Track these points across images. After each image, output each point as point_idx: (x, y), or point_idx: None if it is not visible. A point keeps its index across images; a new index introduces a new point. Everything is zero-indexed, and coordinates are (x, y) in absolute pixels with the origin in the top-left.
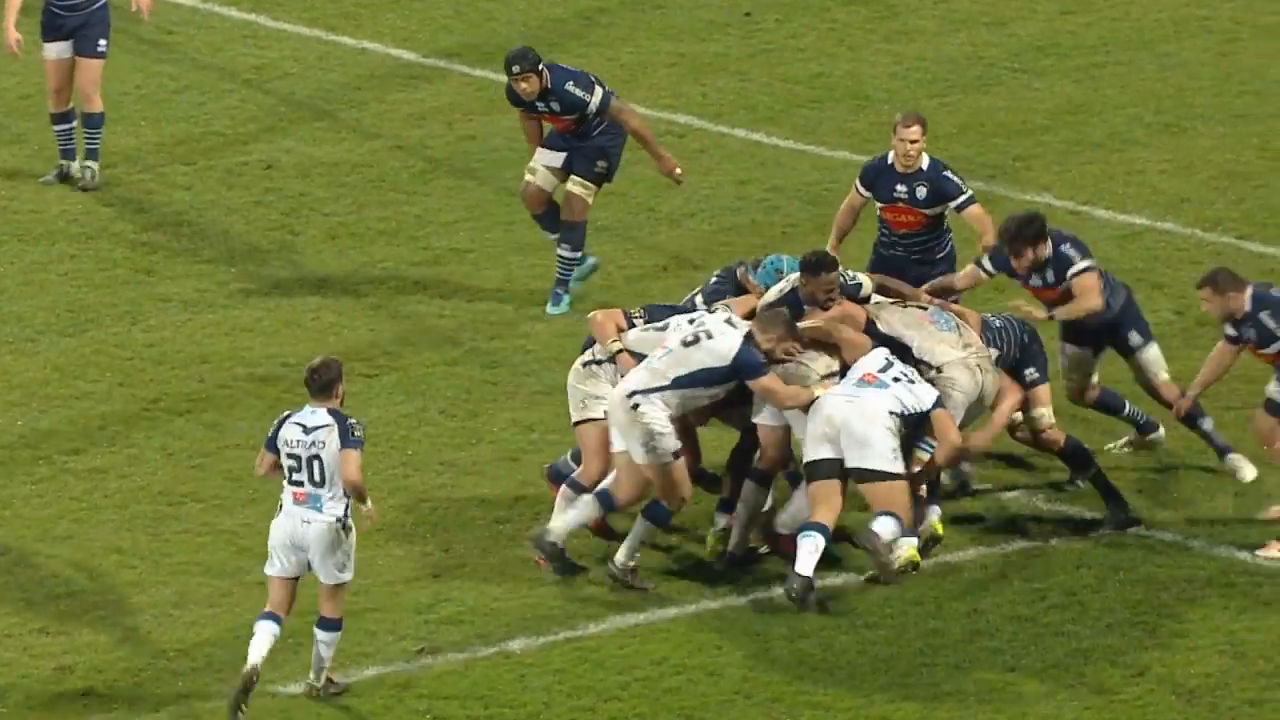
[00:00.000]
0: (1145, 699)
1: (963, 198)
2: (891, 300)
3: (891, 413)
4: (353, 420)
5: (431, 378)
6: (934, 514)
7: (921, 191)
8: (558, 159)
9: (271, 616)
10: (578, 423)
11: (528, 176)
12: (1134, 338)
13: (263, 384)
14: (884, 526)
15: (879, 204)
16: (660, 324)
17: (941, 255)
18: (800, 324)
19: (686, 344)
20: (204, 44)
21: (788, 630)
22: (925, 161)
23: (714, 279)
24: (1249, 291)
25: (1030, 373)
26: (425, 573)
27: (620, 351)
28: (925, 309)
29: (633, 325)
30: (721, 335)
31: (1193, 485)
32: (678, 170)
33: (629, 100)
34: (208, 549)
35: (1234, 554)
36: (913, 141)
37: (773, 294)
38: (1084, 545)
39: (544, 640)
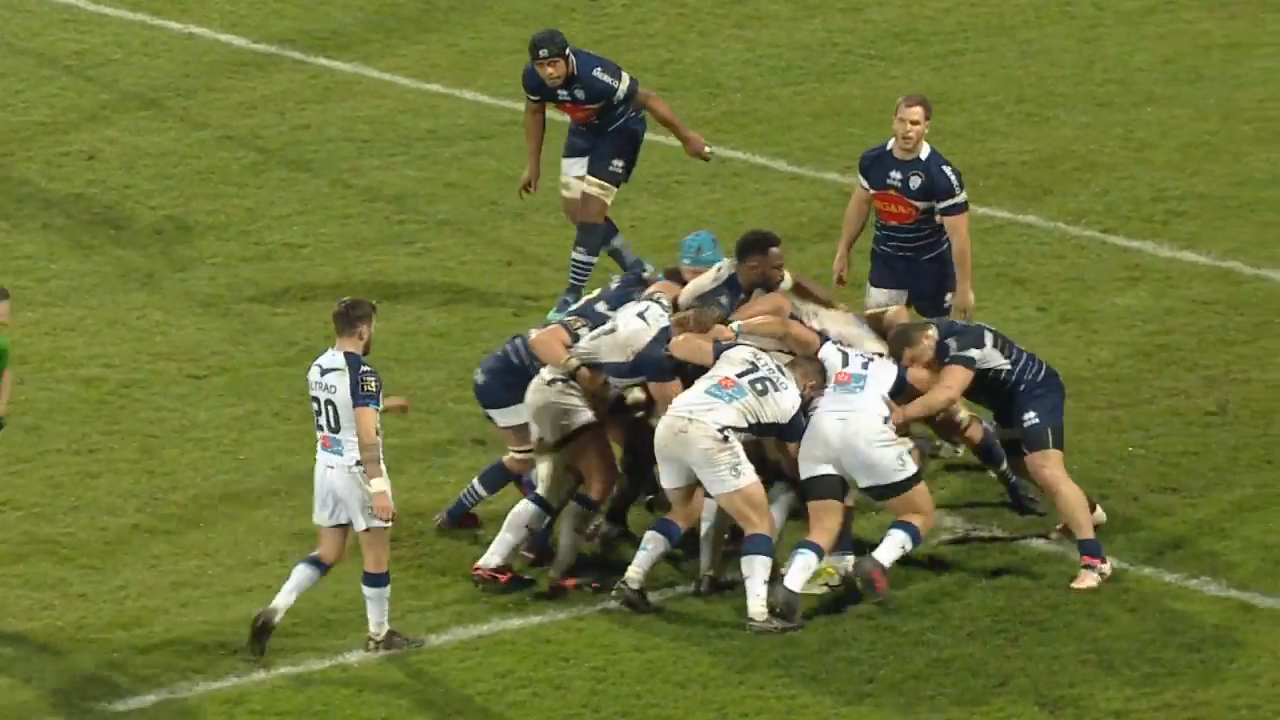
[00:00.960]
0: (1008, 710)
1: (951, 200)
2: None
3: (883, 417)
4: (366, 369)
5: (264, 378)
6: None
7: (915, 181)
8: (581, 165)
9: (313, 561)
10: (561, 442)
11: (564, 192)
12: None
13: (85, 386)
14: (890, 550)
15: (872, 190)
16: (606, 327)
17: (931, 256)
18: (752, 321)
19: (759, 393)
20: (21, 28)
21: (637, 641)
22: (925, 151)
23: (616, 283)
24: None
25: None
26: (258, 583)
27: (579, 368)
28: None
29: (576, 337)
30: (785, 389)
31: None
32: (707, 149)
33: (467, 90)
34: (28, 560)
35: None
36: (913, 123)
37: (707, 280)
38: (945, 551)
39: (383, 653)
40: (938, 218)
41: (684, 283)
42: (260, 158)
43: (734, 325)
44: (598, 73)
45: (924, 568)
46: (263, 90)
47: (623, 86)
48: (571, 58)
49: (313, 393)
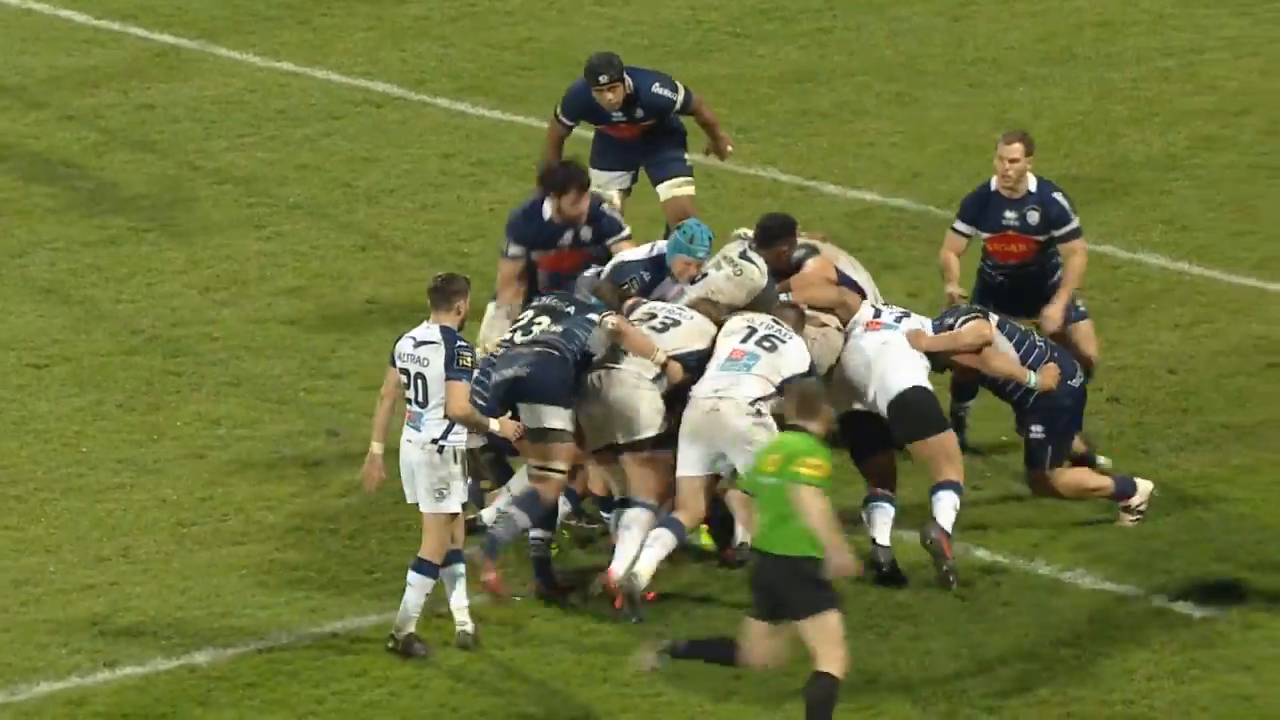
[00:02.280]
0: (878, 706)
1: (1069, 227)
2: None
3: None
4: (462, 343)
5: (109, 368)
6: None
7: (1033, 216)
8: (626, 178)
9: (416, 564)
10: (624, 447)
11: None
12: None
13: None
14: (947, 511)
15: (985, 235)
16: (668, 318)
17: (1051, 282)
18: (808, 292)
19: (769, 349)
20: None
21: (497, 640)
22: (1033, 183)
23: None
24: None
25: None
26: (103, 579)
27: (669, 361)
28: None
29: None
30: (790, 339)
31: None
32: (729, 147)
33: (319, 69)
34: None
35: (972, 552)
36: (1012, 160)
37: (640, 253)
38: None
39: (233, 652)
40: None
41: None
42: (103, 138)
43: (784, 296)
44: (657, 88)
45: None
46: (105, 67)
47: (680, 97)
48: (628, 78)
49: (402, 364)
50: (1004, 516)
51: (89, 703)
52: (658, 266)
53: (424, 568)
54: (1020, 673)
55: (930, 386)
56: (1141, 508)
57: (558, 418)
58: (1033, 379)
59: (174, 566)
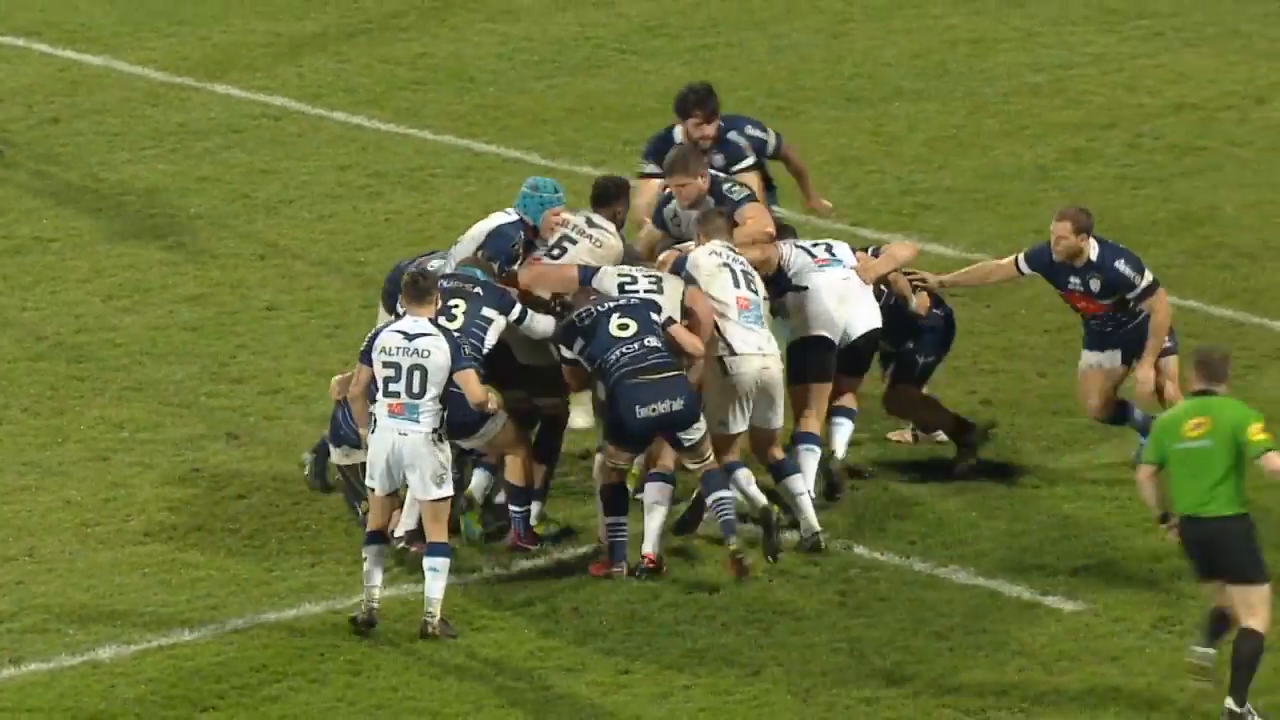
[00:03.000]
0: (761, 699)
1: (1138, 289)
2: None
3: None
4: (458, 334)
5: (14, 373)
6: None
7: (1095, 284)
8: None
9: (376, 537)
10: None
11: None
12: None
13: None
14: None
15: (1059, 290)
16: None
17: (1137, 323)
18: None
19: (755, 291)
20: None
21: (393, 635)
22: (1094, 252)
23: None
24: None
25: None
26: (8, 578)
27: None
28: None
29: None
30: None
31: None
32: (827, 203)
33: (219, 84)
34: None
35: (852, 549)
36: (1060, 238)
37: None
38: (699, 543)
39: (135, 648)
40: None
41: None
42: (8, 151)
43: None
44: (751, 130)
45: (681, 559)
46: (9, 83)
47: (772, 138)
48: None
49: (391, 359)
50: (882, 515)
51: None
52: (528, 229)
53: (440, 550)
54: (897, 664)
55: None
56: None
57: None
58: (913, 302)
59: (78, 565)
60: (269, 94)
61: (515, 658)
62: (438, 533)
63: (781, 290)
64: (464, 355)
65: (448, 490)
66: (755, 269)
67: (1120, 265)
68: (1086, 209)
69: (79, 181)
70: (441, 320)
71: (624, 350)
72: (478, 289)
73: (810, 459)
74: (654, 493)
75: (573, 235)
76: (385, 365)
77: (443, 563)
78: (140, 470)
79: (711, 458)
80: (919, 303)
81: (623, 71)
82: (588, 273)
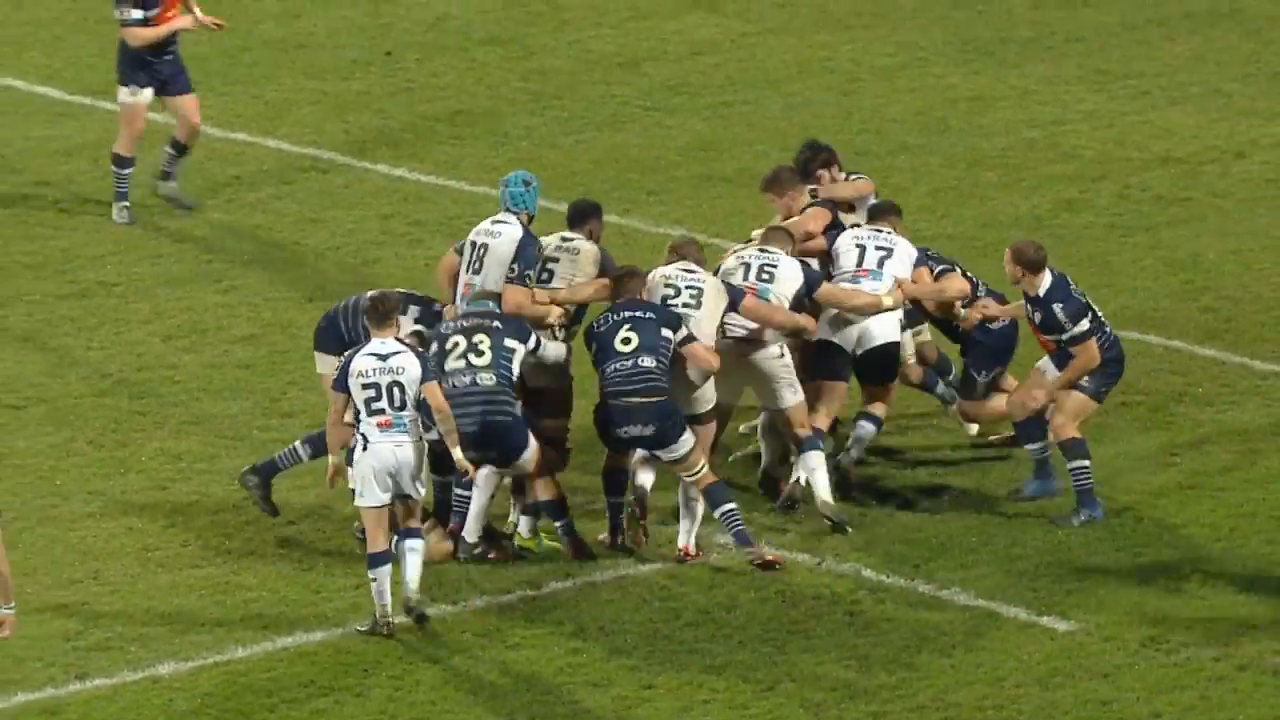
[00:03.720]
0: (776, 712)
1: (1068, 334)
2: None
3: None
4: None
5: (80, 408)
6: None
7: (1037, 318)
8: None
9: (384, 558)
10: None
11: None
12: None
13: None
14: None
15: None
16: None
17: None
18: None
19: (768, 280)
20: None
21: (433, 652)
22: (1043, 288)
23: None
24: (1047, 275)
25: None
26: (74, 599)
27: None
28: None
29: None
30: (782, 261)
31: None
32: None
33: (270, 138)
34: None
35: (860, 572)
36: (1006, 265)
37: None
38: (717, 565)
39: (192, 665)
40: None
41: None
42: (75, 202)
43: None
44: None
45: (698, 584)
46: (78, 139)
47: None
48: None
49: (371, 379)
50: (889, 539)
51: (62, 712)
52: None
53: (416, 533)
54: (902, 681)
55: (900, 340)
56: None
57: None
58: (962, 312)
59: (139, 588)
60: (317, 148)
61: (546, 673)
62: (415, 521)
63: (823, 278)
64: (430, 370)
65: (424, 488)
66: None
67: (1056, 308)
68: (1036, 244)
69: (139, 230)
70: (470, 357)
71: (618, 366)
72: (496, 322)
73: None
74: (688, 490)
75: (554, 254)
76: (366, 386)
77: (420, 544)
78: (197, 499)
79: (704, 469)
80: (966, 318)
81: (646, 127)
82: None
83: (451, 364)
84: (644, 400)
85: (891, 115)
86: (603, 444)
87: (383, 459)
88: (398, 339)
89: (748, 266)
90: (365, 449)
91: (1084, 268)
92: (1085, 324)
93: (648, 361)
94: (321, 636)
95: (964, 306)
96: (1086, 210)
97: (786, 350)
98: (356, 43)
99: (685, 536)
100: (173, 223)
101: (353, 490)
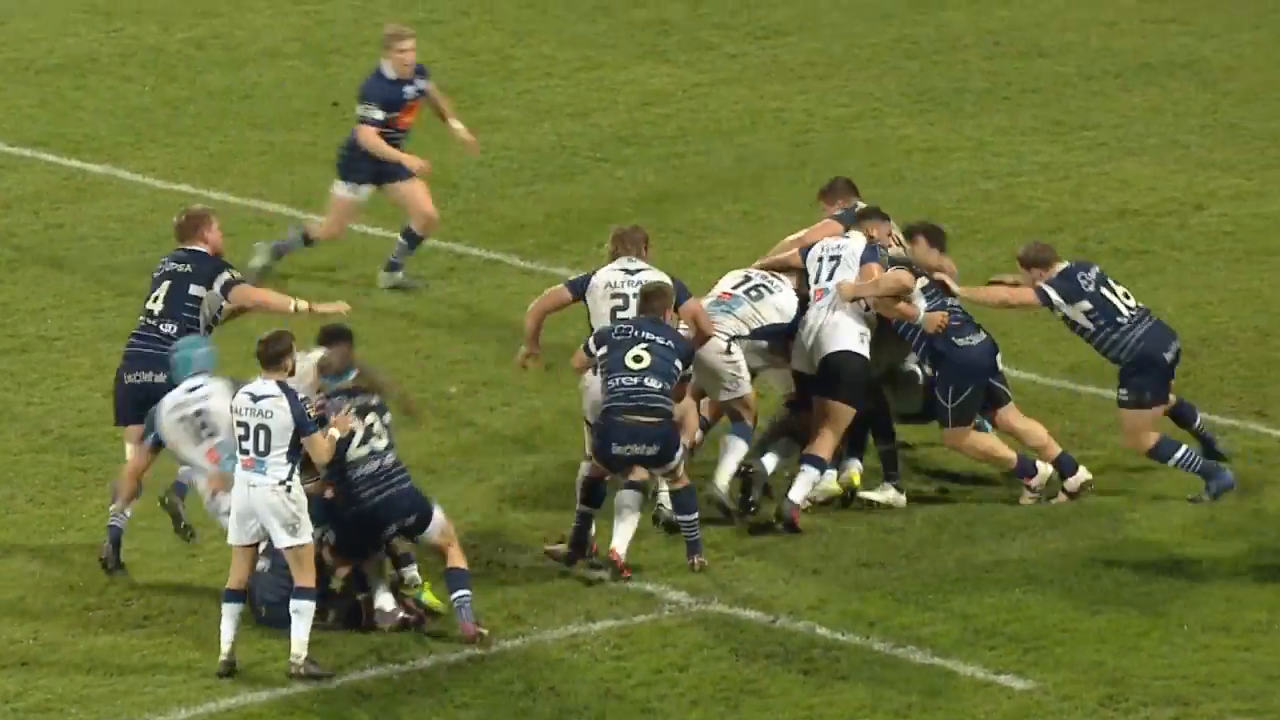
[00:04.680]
0: None
1: (1060, 316)
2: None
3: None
4: (303, 396)
5: (20, 465)
6: (853, 465)
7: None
8: None
9: (235, 596)
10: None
11: None
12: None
13: None
14: (805, 485)
15: None
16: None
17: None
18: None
19: (755, 297)
20: None
21: (381, 711)
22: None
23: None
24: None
25: None
26: (13, 660)
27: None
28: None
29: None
30: (779, 290)
31: (774, 561)
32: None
33: (215, 190)
34: None
35: (815, 630)
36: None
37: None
38: (670, 623)
39: (303, 678)
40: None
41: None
42: (15, 255)
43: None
44: None
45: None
46: (18, 190)
47: None
48: None
49: (241, 418)
50: (844, 597)
51: None
52: None
53: (306, 594)
54: None
55: (865, 354)
56: (1037, 487)
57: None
58: (921, 316)
59: (80, 648)
60: (263, 200)
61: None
62: (303, 578)
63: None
64: (309, 422)
65: (303, 538)
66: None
67: (1048, 289)
68: (1037, 244)
69: (82, 283)
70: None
71: (624, 381)
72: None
73: (800, 475)
74: (627, 499)
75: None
76: (238, 424)
77: (307, 606)
78: (139, 557)
79: (685, 478)
80: (927, 321)
81: (597, 178)
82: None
83: None
84: (649, 421)
85: (845, 167)
86: (596, 458)
87: (239, 496)
88: (281, 383)
89: (747, 279)
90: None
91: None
92: (1086, 305)
93: (653, 383)
94: (266, 696)
95: (932, 306)
96: None
97: (736, 347)
98: (303, 93)
99: (624, 542)
100: (115, 276)
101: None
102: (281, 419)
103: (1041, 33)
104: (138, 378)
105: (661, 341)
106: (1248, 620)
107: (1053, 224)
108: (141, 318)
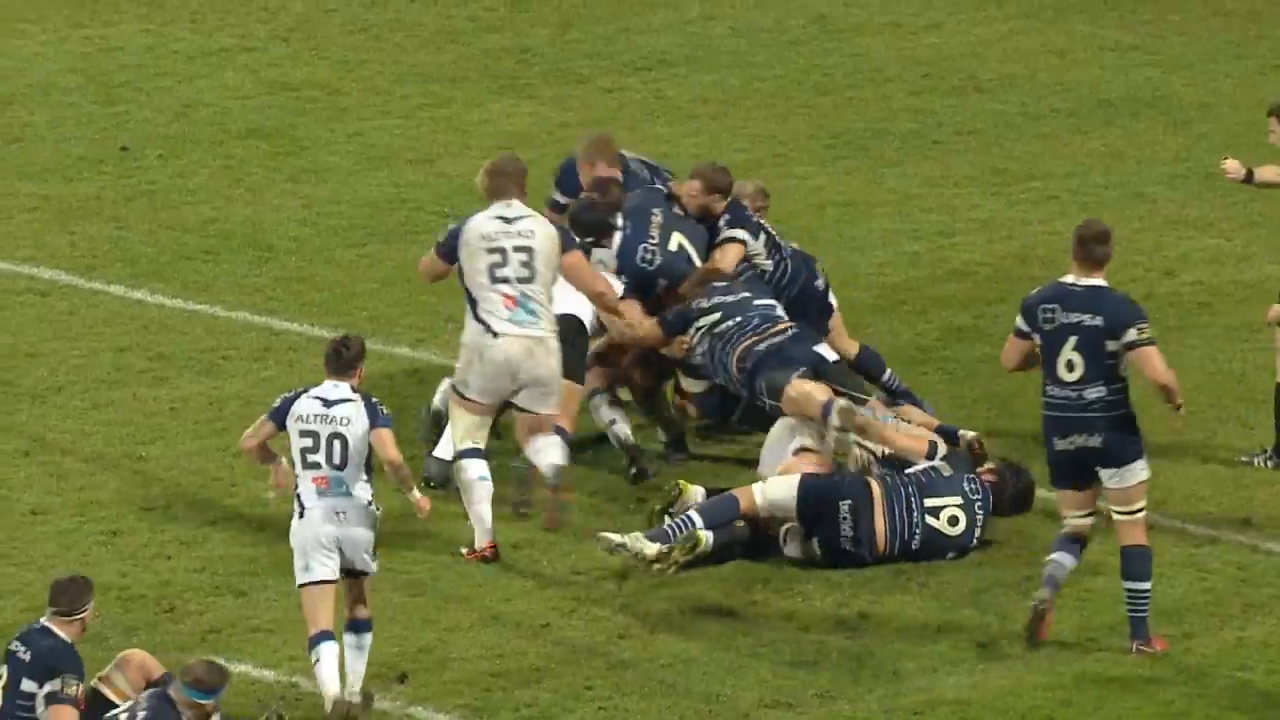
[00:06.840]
0: None
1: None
2: None
3: None
4: (376, 399)
5: None
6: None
7: None
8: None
9: (327, 636)
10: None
11: None
12: None
13: None
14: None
15: None
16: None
17: None
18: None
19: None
20: None
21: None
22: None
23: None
24: None
25: None
26: None
27: None
28: None
29: None
30: None
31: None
32: None
33: None
34: None
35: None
36: (690, 197)
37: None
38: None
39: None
40: None
41: None
42: None
43: None
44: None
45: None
46: None
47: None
48: None
49: (308, 427)
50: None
51: None
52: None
53: (364, 625)
54: None
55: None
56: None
57: None
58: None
59: None
60: (36, 265)
61: None
62: (366, 610)
63: None
64: (382, 416)
65: (377, 566)
66: None
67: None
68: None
69: None
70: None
71: None
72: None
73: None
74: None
75: None
76: (304, 434)
77: (368, 640)
78: None
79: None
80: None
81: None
82: None
83: None
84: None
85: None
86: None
87: (320, 527)
88: (352, 388)
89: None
90: (301, 517)
91: (978, 407)
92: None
93: None
94: None
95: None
96: (981, 340)
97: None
98: (85, 136)
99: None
100: None
101: None
102: (360, 426)
103: (978, 64)
104: None
105: None
106: None
107: (993, 293)
108: None
